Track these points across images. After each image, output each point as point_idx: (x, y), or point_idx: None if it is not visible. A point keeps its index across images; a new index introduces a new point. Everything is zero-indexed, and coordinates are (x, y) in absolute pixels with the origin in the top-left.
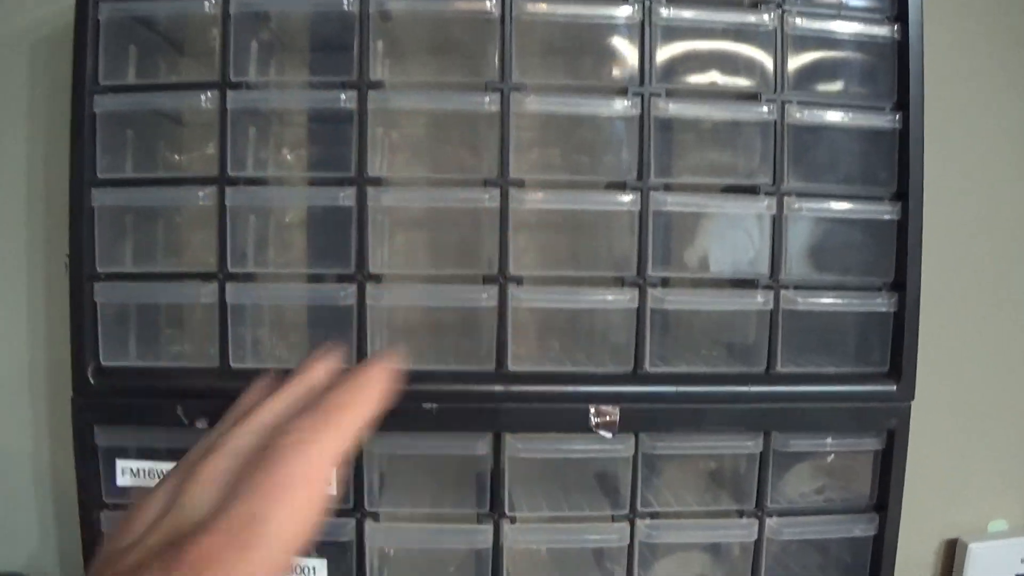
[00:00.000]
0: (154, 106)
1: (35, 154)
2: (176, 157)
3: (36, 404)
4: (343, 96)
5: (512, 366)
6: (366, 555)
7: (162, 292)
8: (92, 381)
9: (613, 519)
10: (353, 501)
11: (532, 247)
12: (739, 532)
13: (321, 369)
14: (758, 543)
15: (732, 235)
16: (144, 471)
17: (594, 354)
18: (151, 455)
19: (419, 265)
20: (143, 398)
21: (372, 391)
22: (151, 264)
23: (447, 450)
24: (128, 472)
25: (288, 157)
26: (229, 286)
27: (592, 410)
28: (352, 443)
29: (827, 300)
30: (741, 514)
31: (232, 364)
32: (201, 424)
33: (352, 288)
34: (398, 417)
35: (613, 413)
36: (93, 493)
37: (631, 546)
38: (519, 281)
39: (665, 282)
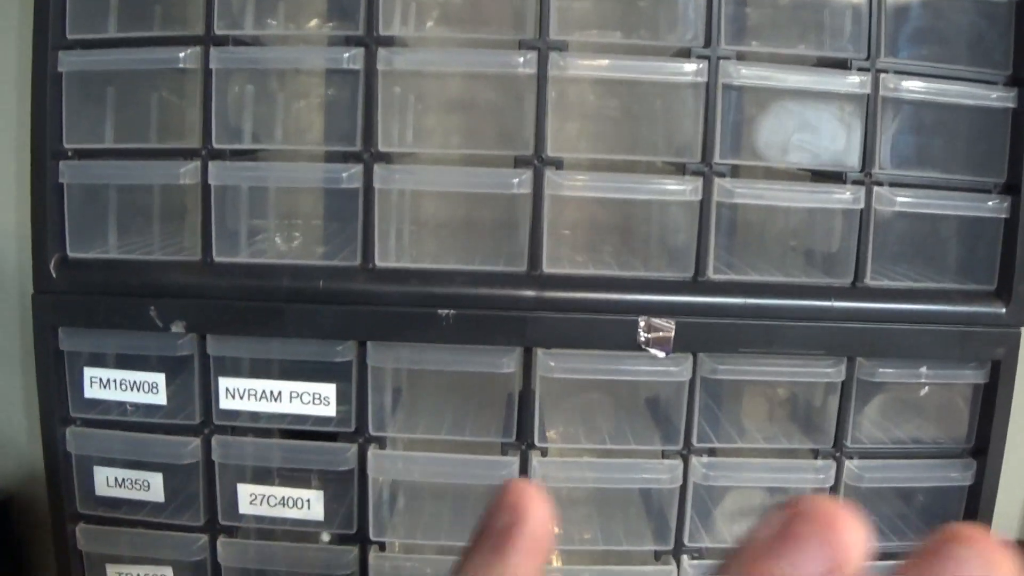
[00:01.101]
0: None
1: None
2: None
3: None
4: None
5: (548, 268)
6: (369, 488)
7: (138, 172)
8: (55, 275)
9: (664, 455)
10: (355, 423)
11: (576, 127)
12: (813, 476)
13: None
14: (834, 489)
15: (816, 119)
16: (116, 382)
17: (648, 257)
18: (124, 363)
19: (441, 145)
20: (113, 296)
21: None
22: (125, 139)
23: (467, 366)
24: (97, 382)
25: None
26: (212, 165)
27: (642, 323)
28: None
29: (927, 201)
30: (816, 454)
31: (216, 257)
32: (177, 328)
33: (357, 168)
34: (409, 324)
35: (668, 328)
36: (58, 406)
37: (684, 488)
38: (558, 164)
39: (735, 171)
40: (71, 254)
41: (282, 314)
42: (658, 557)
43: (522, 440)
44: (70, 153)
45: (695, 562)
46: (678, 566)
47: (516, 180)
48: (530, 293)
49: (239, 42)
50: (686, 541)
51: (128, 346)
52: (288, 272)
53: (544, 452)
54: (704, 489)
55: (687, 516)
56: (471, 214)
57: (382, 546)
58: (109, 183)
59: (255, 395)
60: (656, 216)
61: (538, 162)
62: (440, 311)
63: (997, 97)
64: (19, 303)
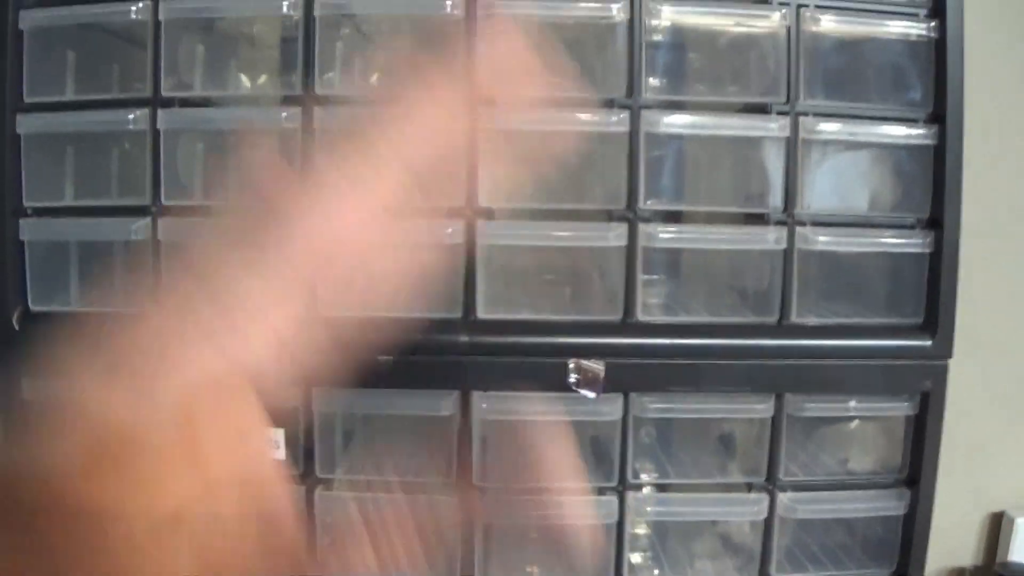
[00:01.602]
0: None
1: None
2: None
3: None
4: None
5: (482, 314)
6: (316, 528)
7: (94, 229)
8: (17, 328)
9: (601, 492)
10: (303, 466)
11: (506, 176)
12: (747, 508)
13: None
14: (769, 520)
15: (739, 162)
16: None
17: (579, 301)
18: None
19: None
20: (77, 347)
21: None
22: (84, 196)
23: (408, 409)
24: None
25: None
26: (162, 221)
27: (572, 365)
28: None
29: (850, 239)
30: (750, 487)
31: None
32: None
33: None
34: (352, 370)
35: (597, 369)
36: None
37: (620, 524)
38: (490, 215)
39: (663, 216)
40: (33, 307)
41: None
42: None
43: (462, 479)
44: (29, 211)
45: None
46: None
47: (450, 231)
48: (464, 338)
49: (187, 103)
50: None
51: None
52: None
53: (482, 491)
54: (645, 524)
55: (625, 552)
56: (406, 264)
57: None
58: (68, 239)
59: None
60: (586, 262)
61: (471, 212)
62: (380, 357)
63: (918, 135)
64: None
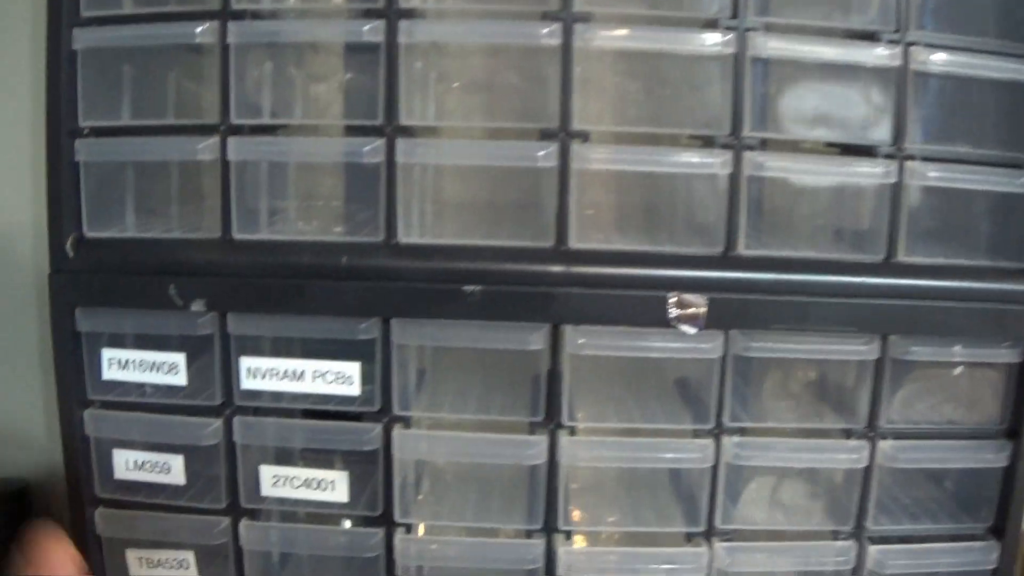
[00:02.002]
0: None
1: None
2: None
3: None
4: None
5: (575, 243)
6: (394, 468)
7: (155, 149)
8: (72, 255)
9: (695, 435)
10: (379, 403)
11: (601, 100)
12: (846, 456)
13: None
14: (868, 470)
15: (847, 92)
16: (135, 362)
17: (676, 233)
18: (143, 343)
19: (464, 118)
20: (132, 275)
21: None
22: (143, 116)
23: (493, 344)
24: (116, 363)
25: None
26: (231, 141)
27: (672, 299)
28: None
29: (960, 175)
30: (849, 434)
31: (236, 235)
32: (197, 307)
33: (379, 143)
34: (434, 301)
35: (699, 304)
36: (75, 389)
37: (716, 468)
38: (584, 137)
39: (764, 144)
40: (88, 233)
41: (304, 291)
42: (689, 539)
43: (550, 419)
44: (86, 131)
45: (726, 544)
46: (709, 548)
47: (541, 153)
48: (557, 268)
49: (257, 16)
50: (717, 523)
51: (147, 326)
52: (309, 249)
53: (572, 431)
54: (734, 469)
55: (718, 497)
56: (495, 190)
57: (408, 528)
58: (127, 161)
59: (277, 374)
60: (684, 191)
61: (564, 135)
62: (466, 288)
63: None
64: (34, 285)
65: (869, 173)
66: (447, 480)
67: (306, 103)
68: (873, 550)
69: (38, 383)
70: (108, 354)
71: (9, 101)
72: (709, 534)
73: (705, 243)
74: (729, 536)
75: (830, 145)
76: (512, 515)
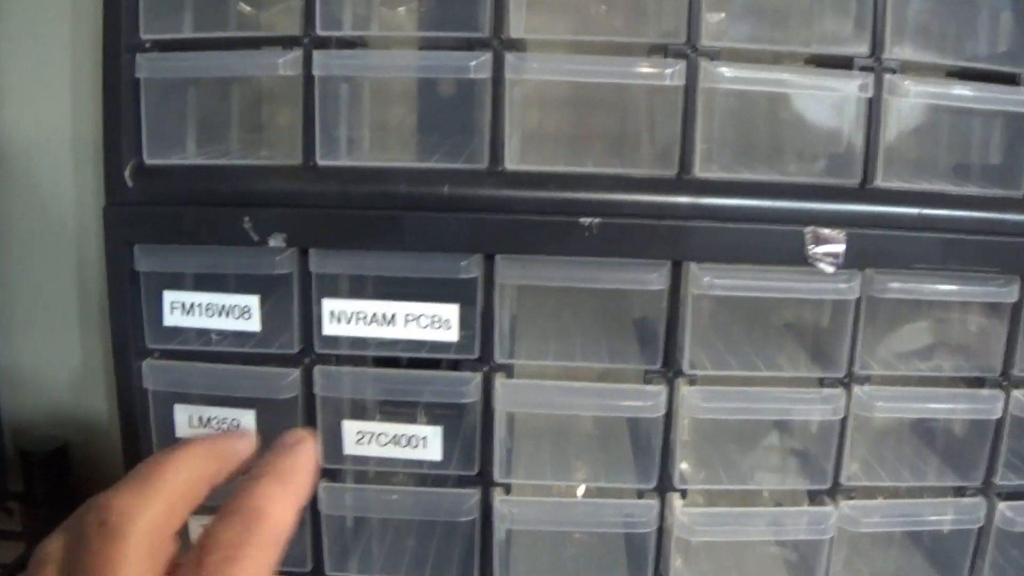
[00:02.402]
0: None
1: None
2: None
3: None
4: None
5: (700, 172)
6: (495, 423)
7: (233, 63)
8: (131, 184)
9: (822, 383)
10: (479, 350)
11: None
12: (980, 407)
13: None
14: (1000, 422)
15: None
16: (199, 307)
17: (807, 163)
18: (209, 285)
19: (574, 30)
20: (199, 206)
21: (299, 484)
22: (213, 27)
23: (613, 283)
24: (179, 308)
25: None
26: (318, 54)
27: (809, 234)
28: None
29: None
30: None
31: (320, 161)
32: (276, 242)
33: (486, 57)
34: (547, 235)
35: (838, 239)
36: (132, 335)
37: (845, 420)
38: (712, 56)
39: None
40: (148, 160)
41: (399, 224)
42: (812, 497)
43: (669, 367)
44: (147, 44)
45: (850, 502)
46: (835, 506)
47: (669, 71)
48: (684, 199)
49: None
50: (843, 480)
51: (215, 265)
52: (406, 176)
53: (693, 380)
54: (861, 421)
55: (845, 452)
56: (603, 108)
57: (507, 488)
58: (193, 78)
59: (364, 318)
60: (815, 116)
61: (692, 51)
62: (582, 220)
63: None
64: (75, 220)
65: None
66: (546, 436)
67: (395, 14)
68: (1003, 507)
69: (75, 329)
70: (170, 297)
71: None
72: (834, 491)
73: (840, 174)
74: (852, 494)
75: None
76: (622, 474)
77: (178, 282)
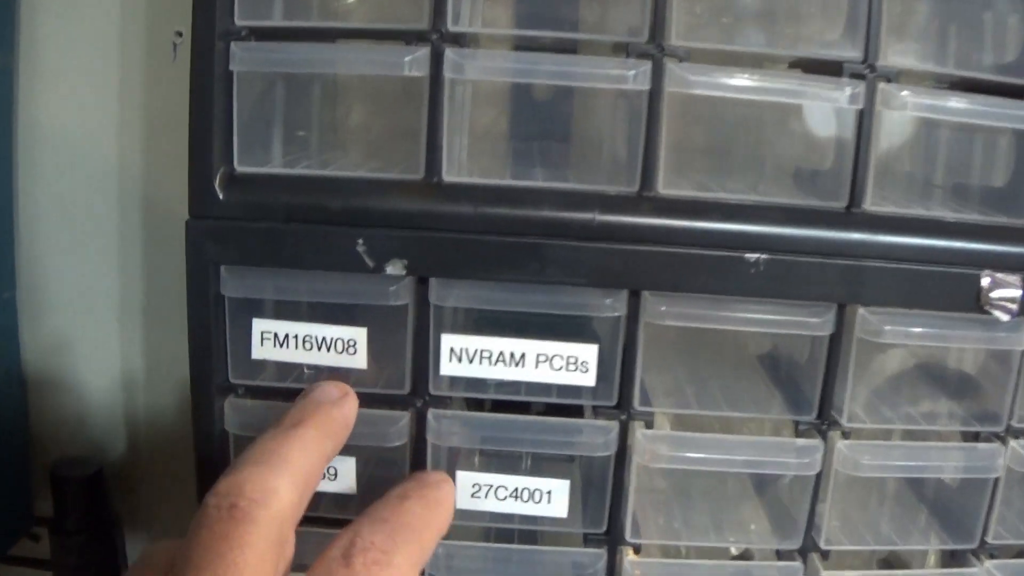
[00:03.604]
0: None
1: None
2: None
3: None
4: None
5: (871, 206)
6: (632, 476)
7: (341, 59)
8: (221, 196)
9: (979, 438)
10: (617, 396)
11: None
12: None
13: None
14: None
15: None
16: (295, 339)
17: (984, 198)
18: (305, 314)
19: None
20: (303, 224)
21: (441, 520)
22: (305, 15)
23: (778, 327)
24: (270, 339)
25: None
26: (450, 51)
27: (986, 278)
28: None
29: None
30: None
31: (445, 177)
32: (394, 269)
33: (646, 66)
34: (708, 270)
35: (1015, 283)
36: (214, 368)
37: (997, 478)
38: (890, 78)
39: None
40: (239, 168)
41: (540, 253)
42: (953, 557)
43: (823, 419)
44: (244, 32)
45: (995, 562)
46: (982, 567)
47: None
48: (856, 236)
49: None
50: (989, 539)
51: (317, 292)
52: (551, 198)
53: (845, 434)
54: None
55: (995, 511)
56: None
57: (636, 548)
58: (308, 70)
59: (489, 358)
60: (990, 146)
61: (869, 73)
62: (747, 255)
63: None
64: (141, 234)
65: None
66: (674, 490)
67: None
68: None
69: (114, 341)
70: (261, 326)
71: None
72: (978, 551)
73: (1009, 212)
74: (995, 554)
75: None
76: (763, 534)
77: (270, 309)
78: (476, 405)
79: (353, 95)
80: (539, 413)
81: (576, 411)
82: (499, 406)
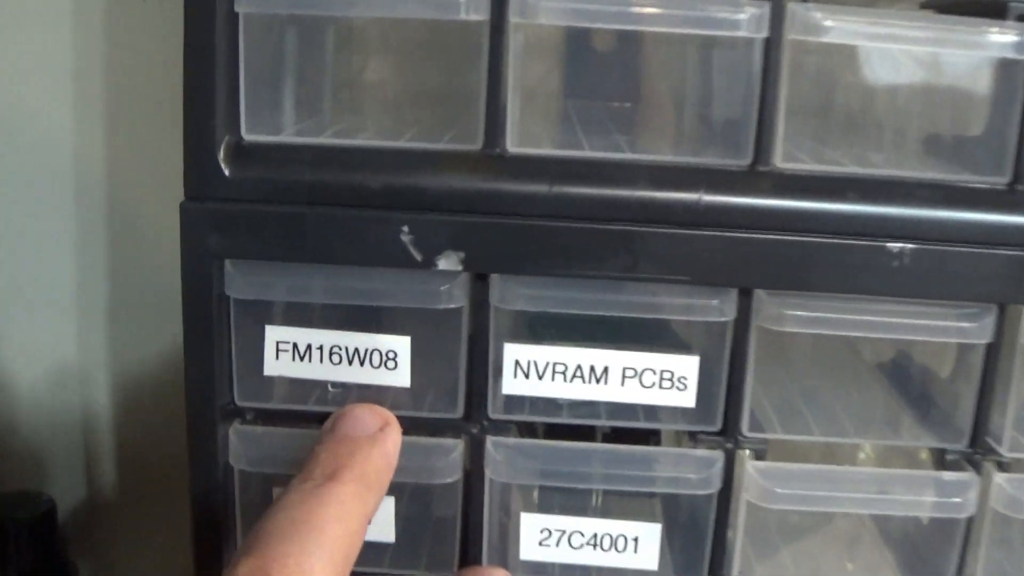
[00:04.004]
0: None
1: None
2: None
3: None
4: None
5: None
6: (740, 517)
7: (381, 1)
8: (227, 173)
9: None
10: (722, 419)
11: None
12: None
13: None
14: None
15: None
16: (318, 351)
17: None
18: (330, 320)
19: None
20: (329, 208)
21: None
22: None
23: (928, 334)
24: (287, 350)
25: None
26: None
27: None
28: None
29: None
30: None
31: (511, 148)
32: (448, 264)
33: (763, 8)
34: (840, 264)
35: None
36: (216, 388)
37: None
38: None
39: None
40: (246, 136)
41: (632, 244)
42: None
43: (976, 446)
44: None
45: None
46: None
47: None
48: (1018, 219)
49: None
50: None
51: (347, 293)
52: (646, 173)
53: (1003, 466)
54: None
55: None
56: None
57: None
58: (293, 16)
59: (564, 372)
60: None
61: None
62: (890, 244)
63: None
64: (77, 195)
65: None
66: (780, 530)
67: None
68: None
69: (72, 344)
70: (276, 334)
71: None
72: None
73: None
74: None
75: None
76: None
77: (285, 315)
78: (528, 431)
79: (388, 46)
80: (605, 440)
81: (643, 436)
82: (552, 432)
